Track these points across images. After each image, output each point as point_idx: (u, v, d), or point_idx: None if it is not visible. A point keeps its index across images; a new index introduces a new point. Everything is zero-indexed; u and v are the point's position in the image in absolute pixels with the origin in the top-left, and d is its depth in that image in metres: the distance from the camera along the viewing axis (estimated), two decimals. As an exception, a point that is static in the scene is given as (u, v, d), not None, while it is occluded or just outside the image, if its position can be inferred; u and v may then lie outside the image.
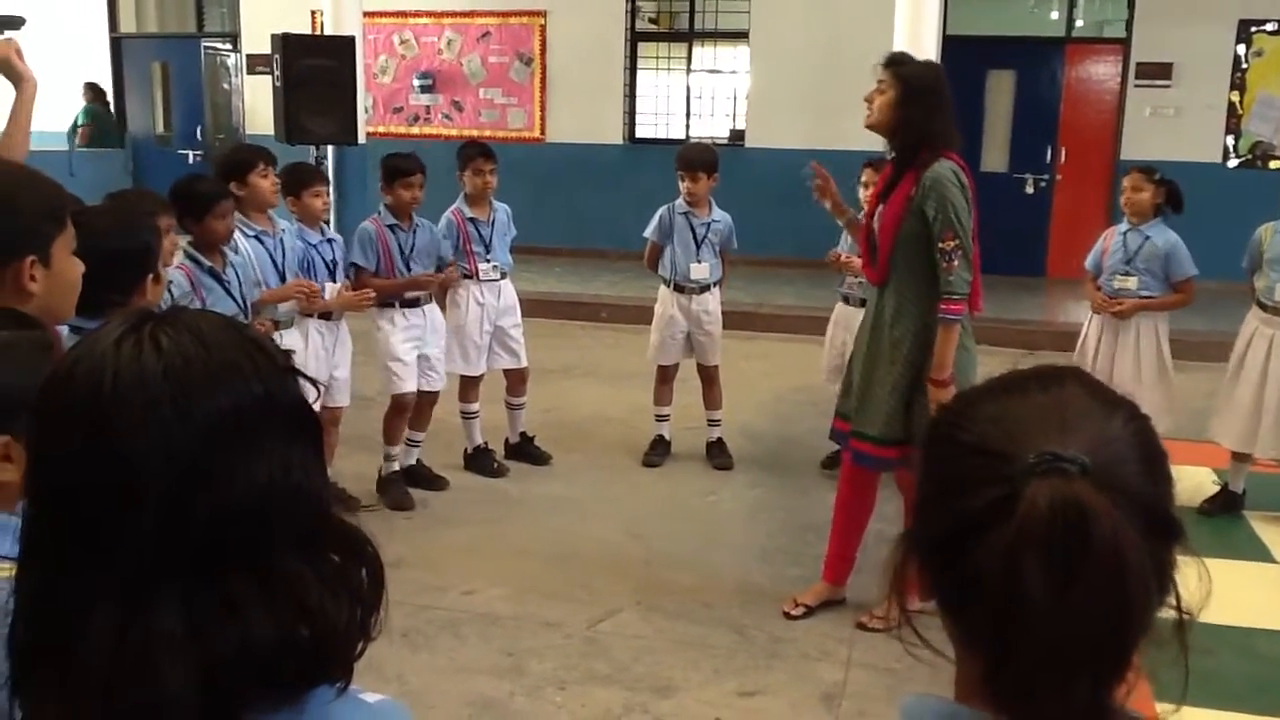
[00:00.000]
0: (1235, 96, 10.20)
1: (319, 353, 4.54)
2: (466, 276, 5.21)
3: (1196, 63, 10.17)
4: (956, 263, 3.52)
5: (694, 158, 5.35)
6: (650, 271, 5.55)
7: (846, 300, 5.27)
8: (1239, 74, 10.17)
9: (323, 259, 4.63)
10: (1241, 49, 10.13)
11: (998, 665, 0.85)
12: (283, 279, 4.31)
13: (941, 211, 3.52)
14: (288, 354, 0.92)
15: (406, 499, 4.87)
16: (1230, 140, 10.26)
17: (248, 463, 0.83)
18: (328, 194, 4.71)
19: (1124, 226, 4.93)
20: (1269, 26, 10.04)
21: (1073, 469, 0.82)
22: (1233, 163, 10.28)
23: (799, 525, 4.67)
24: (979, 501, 0.85)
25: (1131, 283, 4.83)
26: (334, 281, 4.62)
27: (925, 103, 3.60)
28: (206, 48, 12.84)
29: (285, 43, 8.90)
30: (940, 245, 3.54)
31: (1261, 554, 4.47)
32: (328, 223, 4.81)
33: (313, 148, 9.20)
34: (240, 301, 3.87)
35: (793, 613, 3.87)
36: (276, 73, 8.98)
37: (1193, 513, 4.85)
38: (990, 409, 0.90)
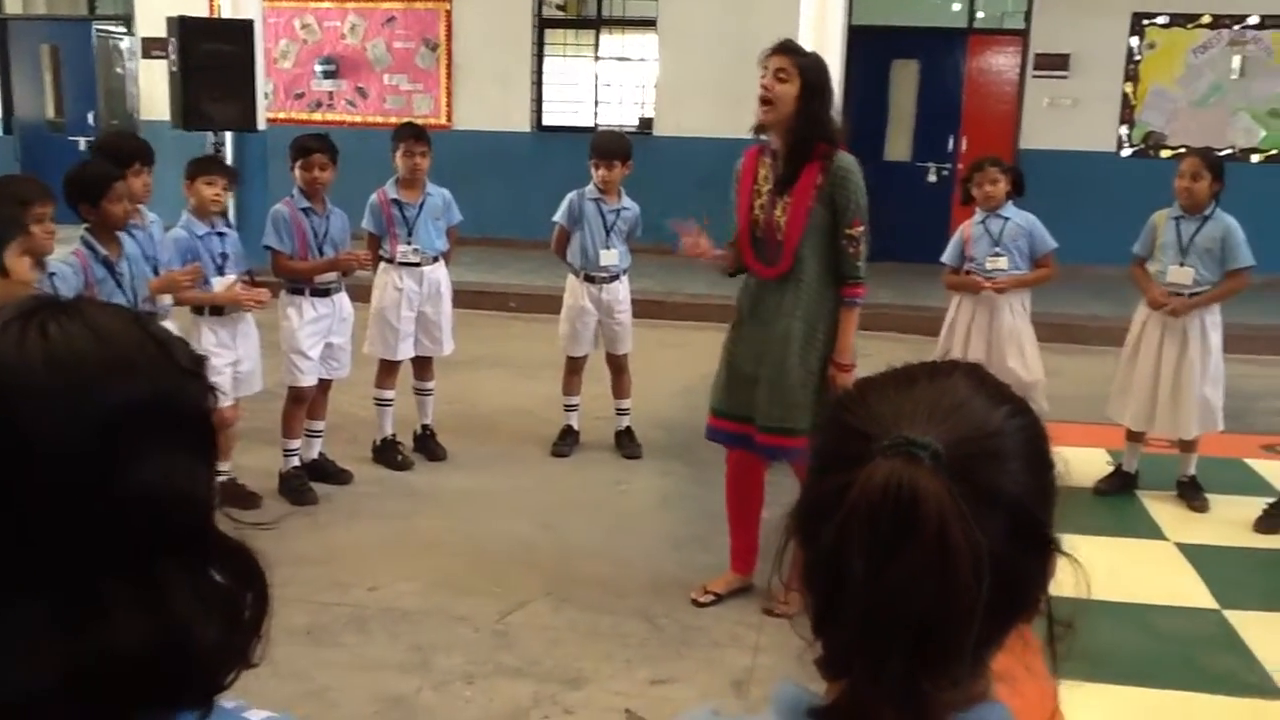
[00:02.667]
0: (1129, 87, 10.50)
1: (211, 349, 4.39)
2: (386, 259, 5.12)
3: (1092, 54, 10.45)
4: (862, 248, 3.62)
5: (609, 145, 5.33)
6: (558, 258, 5.51)
7: None
8: (1132, 65, 10.46)
9: (209, 252, 4.47)
10: (1135, 41, 10.42)
11: (825, 644, 0.87)
12: (155, 271, 4.14)
13: (854, 199, 3.59)
14: (198, 358, 0.87)
15: (309, 494, 4.77)
16: (1124, 130, 10.56)
17: (129, 463, 0.79)
18: (223, 186, 4.55)
19: (979, 217, 5.02)
20: (1160, 19, 10.35)
21: (921, 454, 0.82)
22: (1126, 152, 10.58)
23: (709, 513, 4.68)
24: (836, 480, 0.85)
25: (1003, 262, 4.93)
26: (223, 275, 4.47)
27: (825, 96, 3.63)
28: (98, 30, 12.41)
29: (182, 26, 8.67)
30: (849, 231, 3.60)
31: (1154, 532, 4.60)
32: (223, 215, 4.64)
33: (211, 134, 8.97)
34: (131, 294, 3.74)
35: (702, 600, 3.88)
36: (173, 57, 8.74)
37: (1088, 493, 4.99)
38: (877, 395, 0.91)
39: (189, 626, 0.79)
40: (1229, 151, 9.81)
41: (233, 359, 4.52)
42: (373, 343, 5.20)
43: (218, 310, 4.48)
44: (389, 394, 5.26)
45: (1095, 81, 10.49)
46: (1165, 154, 10.41)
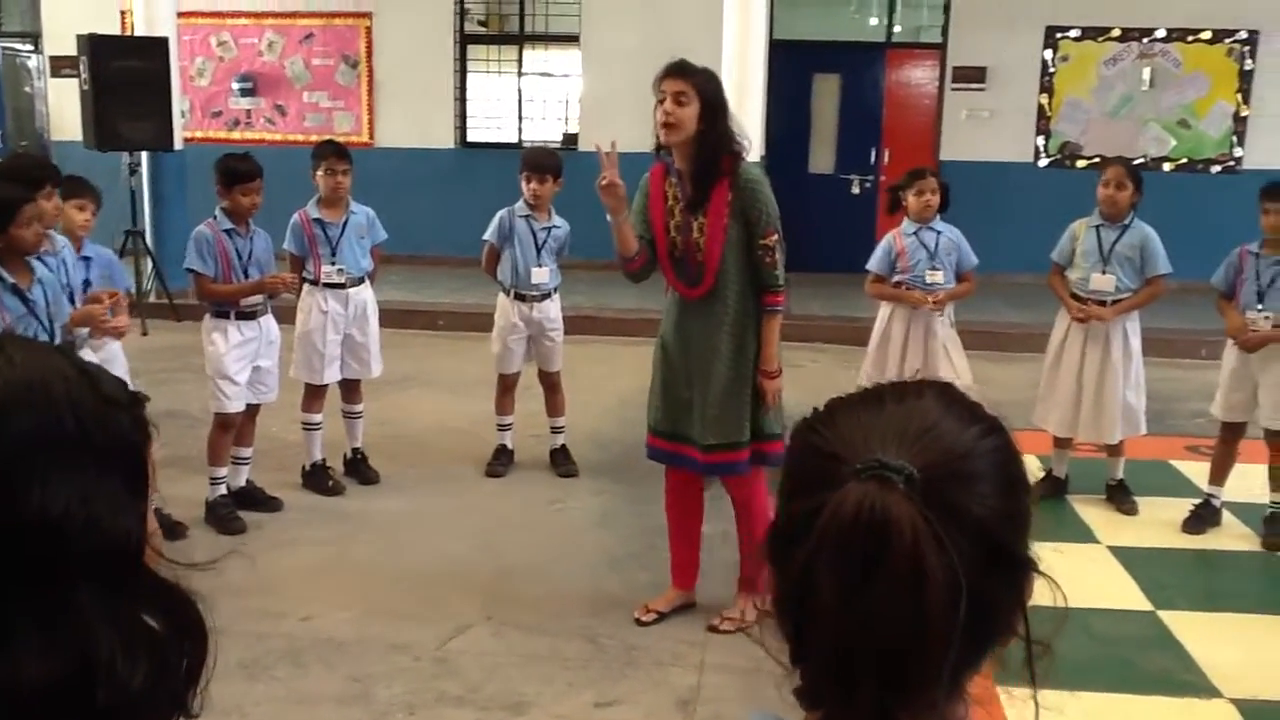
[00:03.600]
0: (1044, 99, 10.73)
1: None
2: (310, 281, 5.02)
3: (1008, 67, 10.66)
4: (779, 256, 3.63)
5: (541, 161, 5.29)
6: (488, 276, 5.45)
7: None
8: (1047, 78, 10.70)
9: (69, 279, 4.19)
10: (1049, 54, 10.66)
11: (800, 671, 0.85)
12: (72, 300, 3.95)
13: (766, 209, 3.59)
14: (131, 393, 0.85)
15: (237, 523, 4.64)
16: (1041, 140, 10.78)
17: (33, 488, 0.76)
18: (93, 211, 4.42)
19: (911, 229, 5.06)
20: (1073, 33, 10.60)
21: (895, 478, 0.81)
22: (1043, 162, 10.81)
23: (648, 529, 4.64)
24: (807, 504, 0.83)
25: (940, 275, 4.99)
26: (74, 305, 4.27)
27: (723, 110, 3.59)
28: (4, 48, 12.07)
29: (93, 44, 8.46)
30: (763, 242, 3.60)
31: (1086, 535, 4.67)
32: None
33: (125, 154, 8.75)
34: (47, 323, 3.60)
35: (644, 619, 3.84)
36: (84, 75, 8.51)
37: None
38: (846, 416, 0.89)
39: (110, 666, 0.76)
40: (1141, 160, 10.07)
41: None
42: (298, 367, 5.09)
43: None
44: (317, 418, 5.15)
45: (1011, 94, 10.70)
46: (1081, 164, 10.66)
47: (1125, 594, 4.07)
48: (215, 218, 4.71)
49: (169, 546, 0.89)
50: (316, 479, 5.13)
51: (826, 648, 0.82)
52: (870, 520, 0.79)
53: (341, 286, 5.04)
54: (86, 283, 4.29)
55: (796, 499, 0.86)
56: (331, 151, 5.02)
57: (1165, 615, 3.88)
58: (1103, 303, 4.81)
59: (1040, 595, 0.94)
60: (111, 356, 4.33)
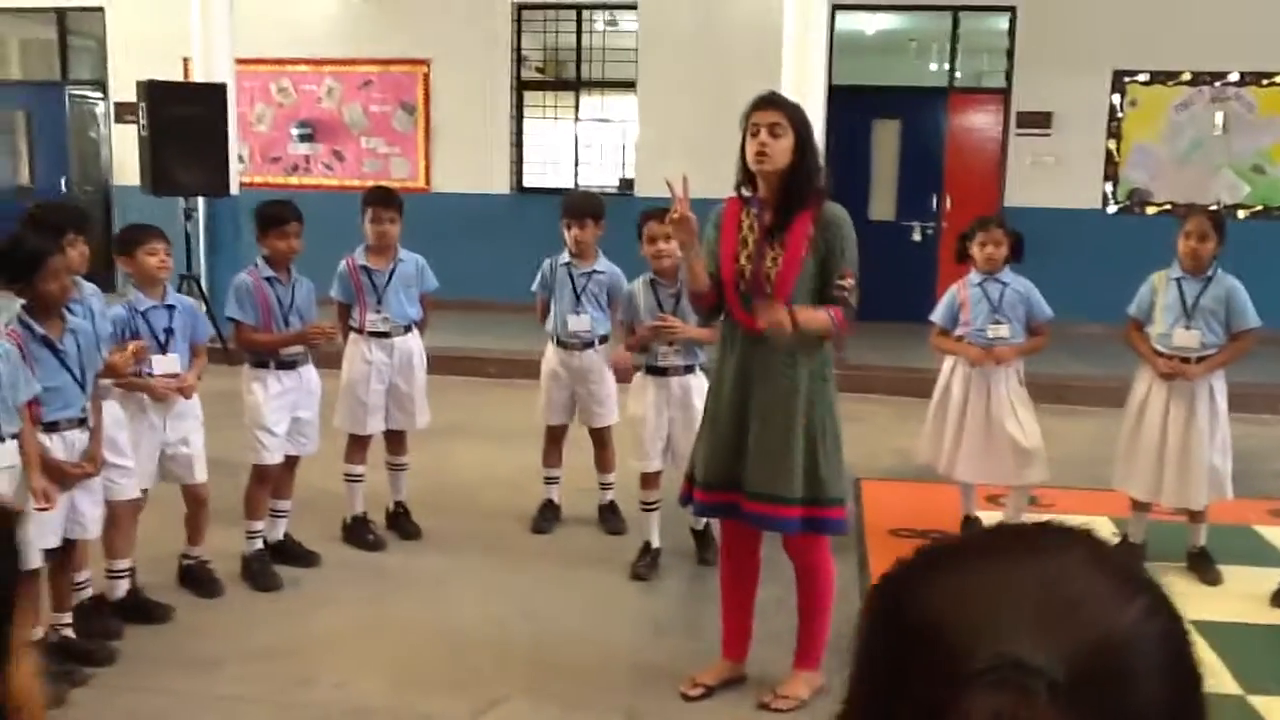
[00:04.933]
0: (1112, 144, 10.44)
1: (138, 431, 4.10)
2: (355, 329, 4.90)
3: (1074, 112, 10.39)
4: (851, 299, 3.42)
5: (579, 205, 5.15)
6: (542, 327, 5.30)
7: (664, 372, 4.66)
8: (1115, 123, 10.41)
9: (150, 327, 4.16)
10: (1116, 98, 10.38)
11: None
12: (97, 347, 3.84)
13: (845, 247, 3.42)
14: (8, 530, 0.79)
15: (273, 579, 4.49)
16: (1109, 186, 10.48)
17: None
18: (165, 252, 4.25)
19: (977, 279, 4.84)
20: (1141, 77, 10.31)
21: (1036, 685, 0.60)
22: (1112, 209, 10.49)
23: (697, 594, 4.43)
24: (910, 707, 0.63)
25: (1004, 330, 4.76)
26: (167, 354, 4.17)
27: (815, 147, 3.49)
28: (72, 95, 12.27)
29: (151, 90, 8.53)
30: (839, 282, 3.40)
31: (1166, 608, 4.37)
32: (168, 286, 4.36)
33: (181, 199, 8.79)
34: (79, 374, 3.49)
35: (691, 694, 3.61)
36: (143, 121, 8.58)
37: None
38: (953, 579, 0.67)
39: None
40: (1215, 207, 9.72)
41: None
42: (341, 417, 4.97)
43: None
44: (359, 470, 5.01)
45: (1078, 139, 10.42)
46: (1151, 210, 10.34)
47: (1214, 676, 3.76)
48: (256, 265, 4.62)
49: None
50: (357, 533, 4.98)
51: None
52: None
53: (386, 335, 4.92)
54: (169, 331, 4.19)
55: (884, 695, 0.65)
56: (377, 199, 4.91)
57: (1257, 700, 3.58)
58: (1187, 359, 4.54)
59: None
60: (185, 410, 4.25)
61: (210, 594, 4.36)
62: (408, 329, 4.99)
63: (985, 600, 0.64)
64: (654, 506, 4.73)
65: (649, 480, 4.75)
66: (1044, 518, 0.72)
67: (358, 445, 5.00)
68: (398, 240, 4.95)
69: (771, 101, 3.47)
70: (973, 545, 0.69)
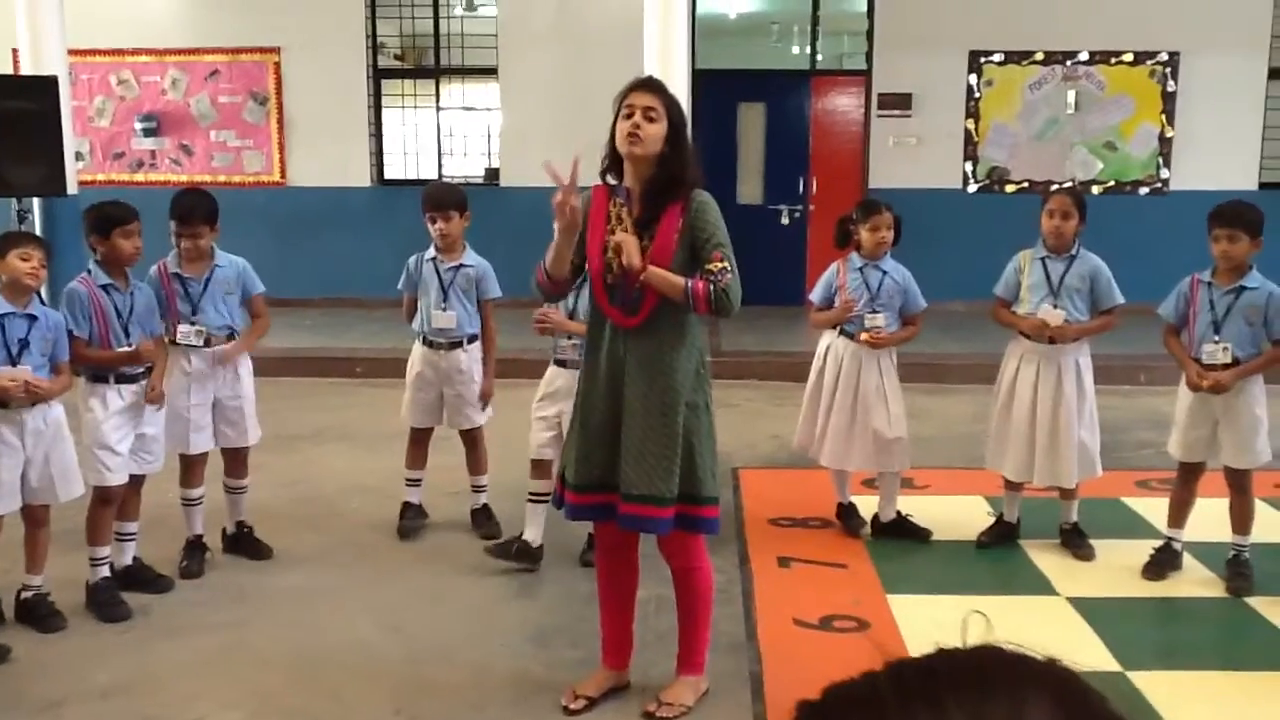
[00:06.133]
0: (971, 124, 10.62)
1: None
2: (171, 341, 4.55)
3: (933, 93, 10.53)
4: (724, 279, 3.24)
5: (440, 196, 4.92)
6: (409, 325, 5.07)
7: (564, 364, 4.61)
8: (973, 103, 10.59)
9: (3, 335, 3.86)
10: (973, 79, 10.55)
11: None
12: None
13: (712, 231, 3.28)
14: None
15: (121, 609, 4.16)
16: (969, 166, 10.66)
17: None
18: (39, 260, 3.93)
19: (858, 263, 4.81)
20: (996, 57, 10.51)
21: None
22: (972, 188, 10.68)
23: (577, 598, 4.28)
24: None
25: (880, 319, 4.74)
26: (17, 365, 3.85)
27: (686, 137, 3.36)
28: (-112, 91, 11.42)
29: (-27, 84, 7.92)
30: (709, 267, 3.26)
31: (1043, 586, 4.40)
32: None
33: (14, 201, 8.22)
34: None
35: (572, 706, 3.45)
36: (-34, 118, 7.98)
37: (970, 546, 4.79)
38: None
39: None
40: (1069, 184, 9.97)
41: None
42: (166, 437, 4.54)
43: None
44: (194, 492, 4.67)
45: (938, 119, 10.57)
46: (1010, 189, 10.56)
47: (1090, 653, 3.77)
48: (90, 272, 4.27)
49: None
50: (188, 555, 4.64)
51: None
52: None
53: (199, 347, 4.58)
54: (24, 343, 3.88)
55: None
56: (179, 214, 4.48)
57: (1136, 676, 3.59)
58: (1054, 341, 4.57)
59: None
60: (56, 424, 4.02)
61: (50, 629, 4.03)
62: (229, 338, 4.67)
63: None
64: (541, 499, 4.54)
65: (538, 468, 4.59)
66: (982, 642, 0.58)
67: (188, 465, 4.64)
68: (212, 246, 4.57)
69: (649, 85, 3.34)
70: (901, 686, 0.54)
